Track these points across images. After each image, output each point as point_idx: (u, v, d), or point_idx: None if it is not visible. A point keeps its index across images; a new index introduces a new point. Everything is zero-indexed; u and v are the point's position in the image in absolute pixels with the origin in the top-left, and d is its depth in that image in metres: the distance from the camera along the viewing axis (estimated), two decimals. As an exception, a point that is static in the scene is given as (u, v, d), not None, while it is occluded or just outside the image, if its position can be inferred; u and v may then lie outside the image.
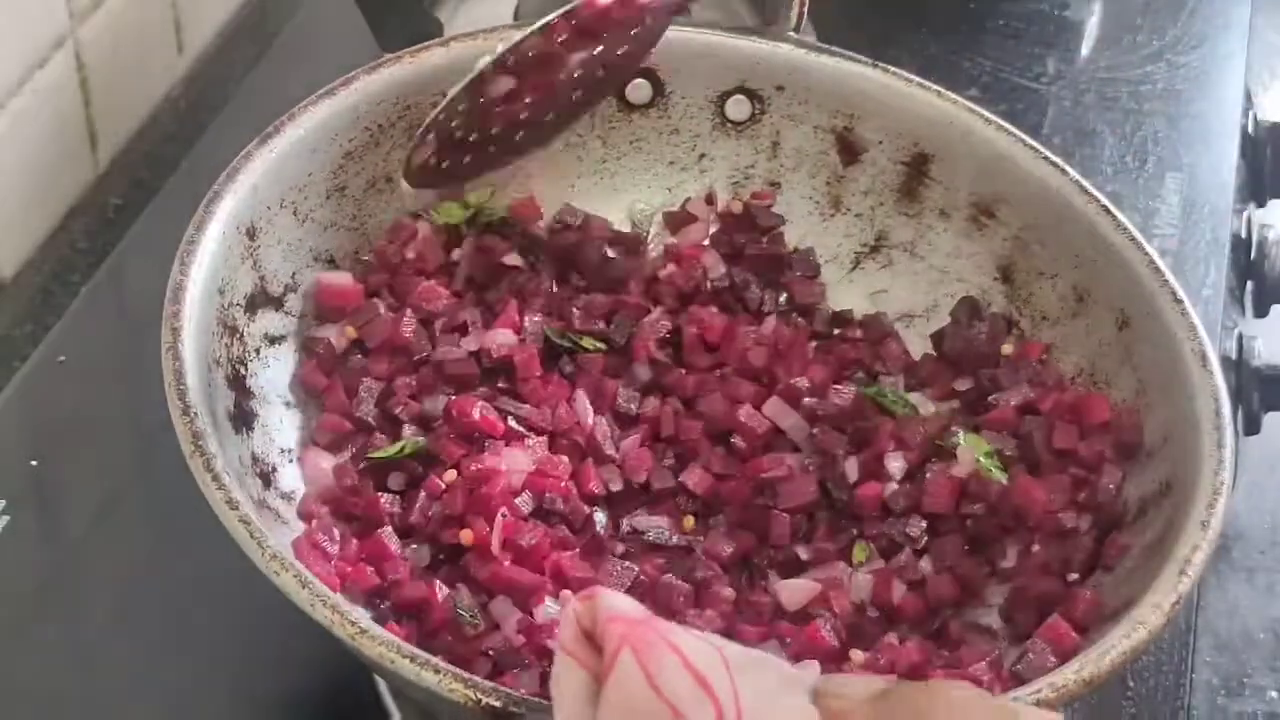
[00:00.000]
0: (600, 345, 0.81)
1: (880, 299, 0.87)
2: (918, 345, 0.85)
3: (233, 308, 0.74)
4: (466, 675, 0.60)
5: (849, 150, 0.87)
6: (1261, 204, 1.12)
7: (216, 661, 0.78)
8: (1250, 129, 1.14)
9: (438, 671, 0.60)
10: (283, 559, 0.62)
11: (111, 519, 0.84)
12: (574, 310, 0.82)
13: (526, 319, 0.80)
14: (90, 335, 0.93)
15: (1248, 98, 1.16)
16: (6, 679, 0.76)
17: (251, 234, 0.76)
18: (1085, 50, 1.20)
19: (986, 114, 0.84)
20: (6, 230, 0.95)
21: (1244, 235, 1.07)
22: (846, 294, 0.87)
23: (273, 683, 0.78)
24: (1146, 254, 0.78)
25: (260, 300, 0.77)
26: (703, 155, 0.89)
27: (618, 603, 0.50)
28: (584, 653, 0.50)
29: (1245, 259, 1.06)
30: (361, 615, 0.63)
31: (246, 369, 0.75)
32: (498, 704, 0.59)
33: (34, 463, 0.85)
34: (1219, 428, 0.71)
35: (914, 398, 0.82)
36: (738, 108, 0.88)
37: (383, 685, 0.76)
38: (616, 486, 0.77)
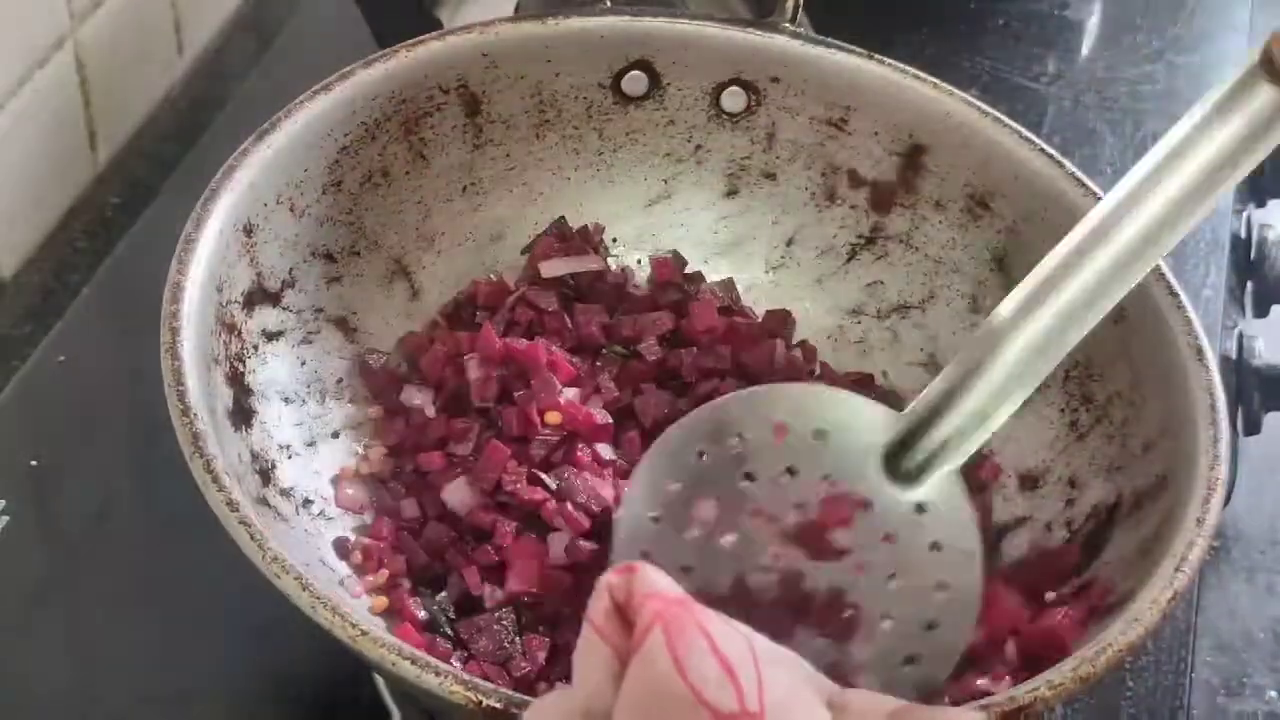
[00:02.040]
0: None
1: (876, 290, 0.87)
2: (914, 337, 0.86)
3: (231, 305, 0.75)
4: (467, 677, 0.60)
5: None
6: (1261, 204, 1.12)
7: (216, 661, 0.78)
8: (1250, 129, 1.13)
9: (439, 674, 0.60)
10: (283, 561, 0.62)
11: (111, 519, 0.84)
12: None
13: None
14: (90, 335, 0.93)
15: (1248, 98, 1.16)
16: (6, 679, 0.76)
17: (249, 231, 0.76)
18: (1085, 50, 1.20)
19: (981, 105, 0.85)
20: (6, 230, 0.95)
21: (1244, 235, 1.07)
22: (842, 287, 0.88)
23: (273, 682, 0.78)
24: None
25: (258, 297, 0.77)
26: (699, 147, 0.89)
27: (655, 579, 0.50)
28: (612, 630, 0.49)
29: (1245, 259, 1.06)
30: (363, 617, 0.63)
31: (245, 366, 0.75)
32: (498, 705, 0.59)
33: (34, 463, 0.85)
34: (1214, 423, 0.71)
35: None
36: (733, 99, 0.88)
37: (383, 684, 0.76)
38: None
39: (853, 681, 0.63)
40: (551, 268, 0.86)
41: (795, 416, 0.69)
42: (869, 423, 0.69)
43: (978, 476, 0.80)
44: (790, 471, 0.68)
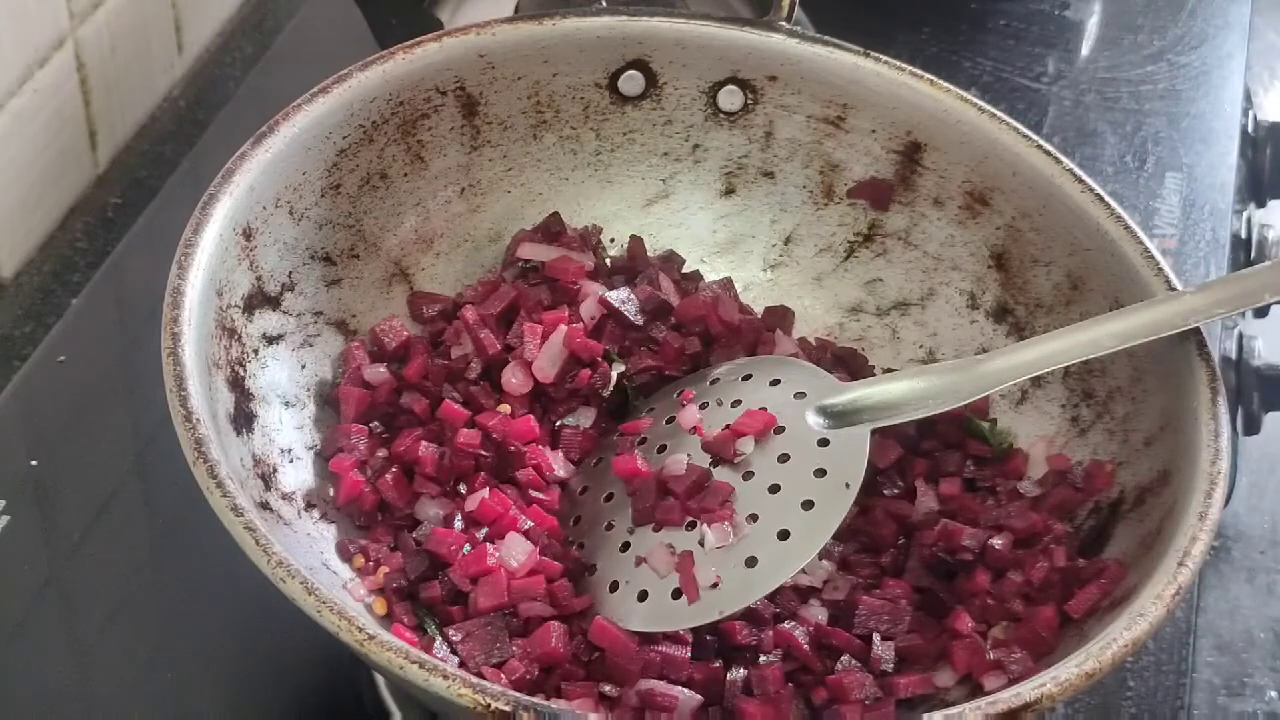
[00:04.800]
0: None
1: (875, 288, 0.87)
2: (913, 334, 0.86)
3: (231, 309, 0.74)
4: (475, 680, 0.60)
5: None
6: (1261, 204, 1.12)
7: (216, 661, 0.78)
8: (1250, 129, 1.14)
9: (446, 677, 0.60)
10: (289, 566, 0.62)
11: (111, 519, 0.84)
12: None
13: None
14: (90, 335, 0.93)
15: (1248, 98, 1.16)
16: (6, 679, 0.77)
17: (248, 234, 0.76)
18: (1085, 50, 1.21)
19: (979, 102, 0.84)
20: (6, 230, 0.95)
21: (1244, 235, 1.07)
22: (841, 284, 0.88)
23: (273, 682, 0.78)
24: (1141, 242, 0.78)
25: (257, 300, 0.77)
26: (696, 146, 0.89)
27: None
28: None
29: (1245, 259, 1.06)
30: (368, 621, 0.63)
31: (245, 370, 0.75)
32: (506, 708, 0.59)
33: (34, 463, 0.86)
34: (1215, 417, 0.71)
35: None
36: (730, 98, 0.88)
37: (383, 684, 0.76)
38: None
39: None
40: (529, 250, 0.86)
41: (759, 368, 0.81)
42: (820, 385, 0.78)
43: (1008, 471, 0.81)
44: (735, 404, 0.78)
